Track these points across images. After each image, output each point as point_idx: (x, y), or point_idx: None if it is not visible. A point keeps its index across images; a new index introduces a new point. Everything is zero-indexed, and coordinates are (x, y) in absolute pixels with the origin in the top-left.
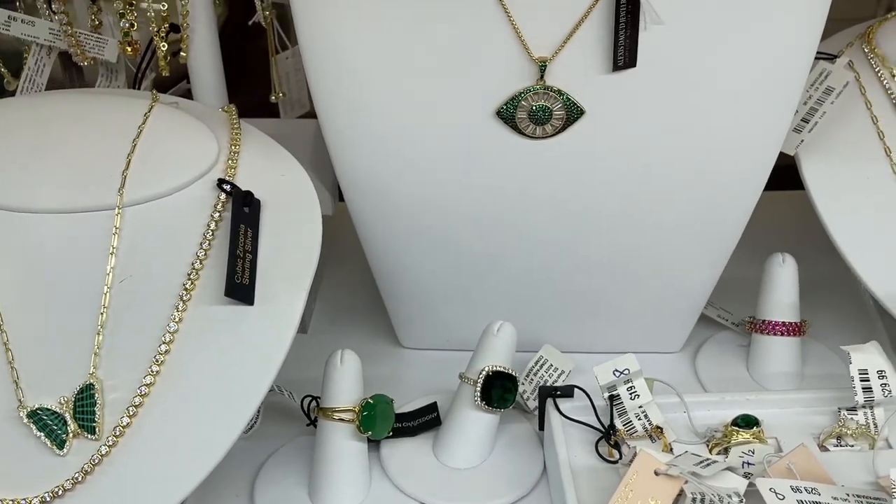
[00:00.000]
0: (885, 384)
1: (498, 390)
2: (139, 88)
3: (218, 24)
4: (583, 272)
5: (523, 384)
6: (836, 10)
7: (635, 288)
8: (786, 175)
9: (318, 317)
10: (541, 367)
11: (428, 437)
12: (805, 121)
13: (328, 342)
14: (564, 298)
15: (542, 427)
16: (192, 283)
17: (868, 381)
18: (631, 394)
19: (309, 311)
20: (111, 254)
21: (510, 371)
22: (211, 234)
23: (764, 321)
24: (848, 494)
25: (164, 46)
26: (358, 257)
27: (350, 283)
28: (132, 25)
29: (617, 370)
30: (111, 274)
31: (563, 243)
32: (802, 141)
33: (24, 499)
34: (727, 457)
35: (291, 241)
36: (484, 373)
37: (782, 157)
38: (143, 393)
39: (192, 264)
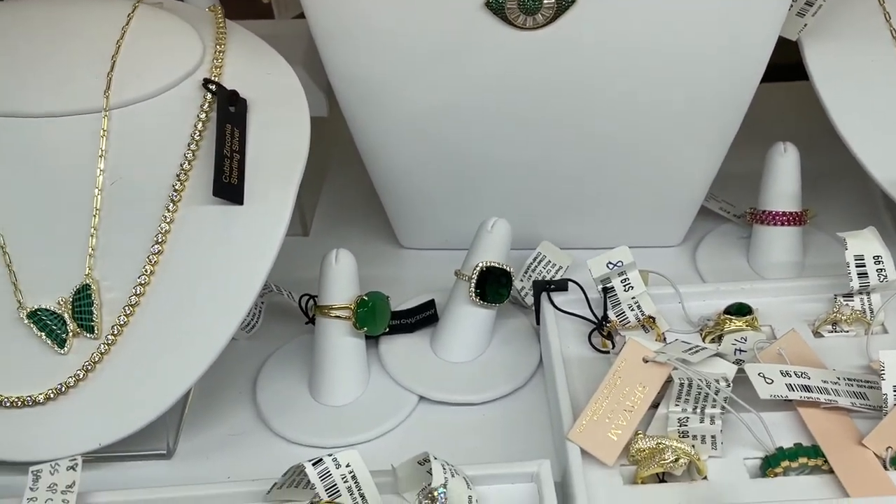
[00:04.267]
0: (882, 269)
1: (492, 285)
2: None
3: None
4: (580, 166)
5: (521, 281)
6: None
7: (634, 180)
8: (789, 72)
9: (320, 218)
10: (538, 263)
11: (426, 333)
12: (809, 4)
13: (329, 244)
14: (562, 194)
15: (539, 322)
16: (181, 184)
17: (864, 266)
18: (624, 285)
19: (311, 212)
20: (100, 156)
21: (504, 266)
22: (198, 134)
23: (765, 211)
24: (839, 378)
25: None
26: (360, 158)
27: (352, 185)
28: None
29: (611, 262)
30: (101, 176)
31: (559, 136)
32: (805, 25)
33: (30, 396)
34: (720, 345)
35: (279, 141)
36: (478, 269)
37: (784, 53)
38: (138, 293)
39: (181, 165)
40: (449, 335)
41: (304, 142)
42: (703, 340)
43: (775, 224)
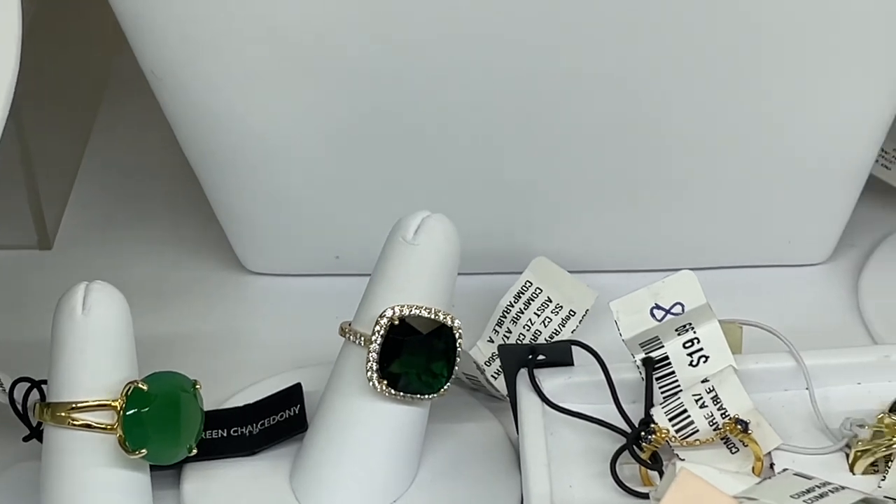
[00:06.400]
0: None
1: (416, 356)
2: None
3: None
4: (619, 102)
5: (491, 342)
6: None
7: (744, 136)
8: None
9: (74, 219)
10: (527, 304)
11: (281, 456)
12: None
13: (88, 267)
14: (577, 158)
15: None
16: None
17: None
18: (690, 354)
19: (57, 203)
20: None
21: (440, 316)
22: None
23: None
24: None
25: None
26: (147, 105)
27: (135, 157)
28: None
29: (659, 306)
30: None
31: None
32: None
33: None
34: (884, 477)
35: None
36: (385, 322)
37: None
38: None
39: None
40: (328, 461)
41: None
42: (852, 469)
43: None
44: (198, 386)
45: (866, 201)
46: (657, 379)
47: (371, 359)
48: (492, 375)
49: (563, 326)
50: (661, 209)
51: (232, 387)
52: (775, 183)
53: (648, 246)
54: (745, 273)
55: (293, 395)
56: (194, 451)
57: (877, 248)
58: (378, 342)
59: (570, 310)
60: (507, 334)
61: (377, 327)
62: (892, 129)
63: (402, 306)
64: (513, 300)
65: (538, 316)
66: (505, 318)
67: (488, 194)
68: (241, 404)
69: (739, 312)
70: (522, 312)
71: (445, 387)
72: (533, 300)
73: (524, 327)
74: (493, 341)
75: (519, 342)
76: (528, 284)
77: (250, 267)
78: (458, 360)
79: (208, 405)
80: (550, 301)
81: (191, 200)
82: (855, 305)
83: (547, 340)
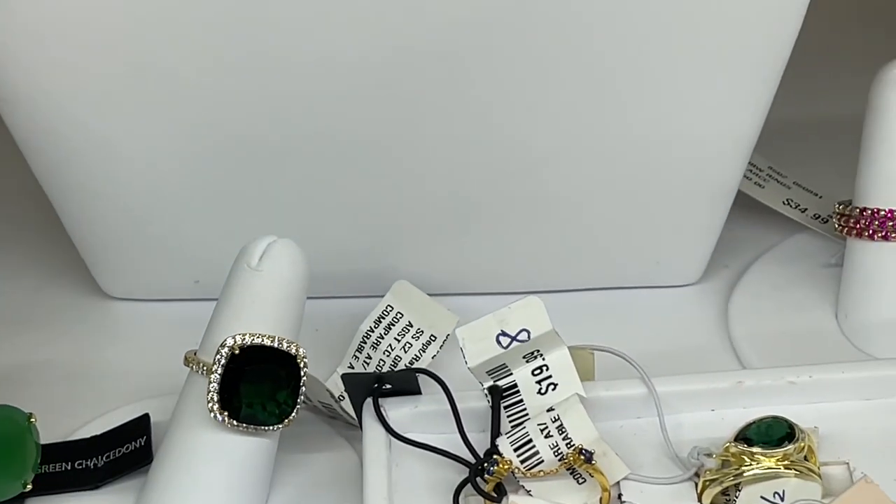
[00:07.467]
0: None
1: (257, 387)
2: None
3: None
4: (485, 122)
5: (351, 367)
6: None
7: (604, 153)
8: None
9: None
10: (388, 328)
11: (126, 489)
12: None
13: None
14: (438, 186)
15: None
16: None
17: None
18: (539, 382)
19: None
20: None
21: (286, 344)
22: None
23: (870, 212)
24: None
25: None
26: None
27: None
28: None
29: (505, 333)
30: None
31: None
32: None
33: None
34: None
35: None
36: (225, 351)
37: None
38: None
39: None
40: (172, 495)
41: None
42: (700, 498)
43: (889, 237)
44: (33, 419)
45: (742, 221)
46: (506, 407)
47: (212, 389)
48: (346, 406)
49: (424, 352)
50: (524, 230)
51: (83, 417)
52: (639, 202)
53: (512, 268)
54: (613, 295)
55: (140, 426)
56: (29, 487)
57: (747, 269)
58: (218, 372)
59: (432, 335)
60: (367, 360)
61: (217, 356)
62: (766, 146)
63: (244, 335)
64: (373, 325)
65: (398, 341)
66: (365, 343)
67: (348, 217)
68: (88, 436)
69: (607, 336)
70: (383, 337)
71: (291, 417)
72: (394, 325)
73: (384, 353)
74: (353, 367)
75: (379, 368)
76: (389, 309)
77: (109, 292)
78: (304, 389)
79: (58, 436)
80: (411, 326)
81: (53, 224)
82: (724, 328)
83: (407, 366)
